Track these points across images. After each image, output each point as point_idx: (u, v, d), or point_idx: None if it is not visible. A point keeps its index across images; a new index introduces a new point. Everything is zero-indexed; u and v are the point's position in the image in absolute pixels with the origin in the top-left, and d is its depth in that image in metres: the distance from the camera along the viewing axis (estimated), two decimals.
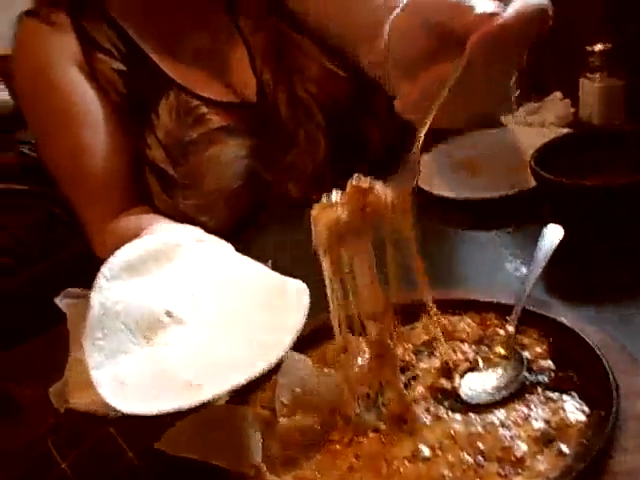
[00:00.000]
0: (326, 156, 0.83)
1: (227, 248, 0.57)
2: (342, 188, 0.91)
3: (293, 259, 0.68)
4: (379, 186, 0.44)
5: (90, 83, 0.74)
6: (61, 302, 0.65)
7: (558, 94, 0.91)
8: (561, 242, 0.56)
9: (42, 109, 0.76)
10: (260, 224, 0.81)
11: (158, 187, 0.77)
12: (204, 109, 0.77)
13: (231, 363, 0.45)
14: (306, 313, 0.48)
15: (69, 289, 0.66)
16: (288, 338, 0.45)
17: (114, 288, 0.45)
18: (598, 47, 0.81)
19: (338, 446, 0.44)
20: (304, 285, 0.50)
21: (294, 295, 0.50)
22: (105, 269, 0.45)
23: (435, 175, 0.81)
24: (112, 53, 0.74)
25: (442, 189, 0.77)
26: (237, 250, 0.58)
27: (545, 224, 0.58)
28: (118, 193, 0.76)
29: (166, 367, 0.44)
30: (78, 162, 0.74)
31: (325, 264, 0.44)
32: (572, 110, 0.87)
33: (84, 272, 0.75)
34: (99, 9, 0.75)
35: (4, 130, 1.17)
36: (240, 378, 0.43)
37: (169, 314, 0.47)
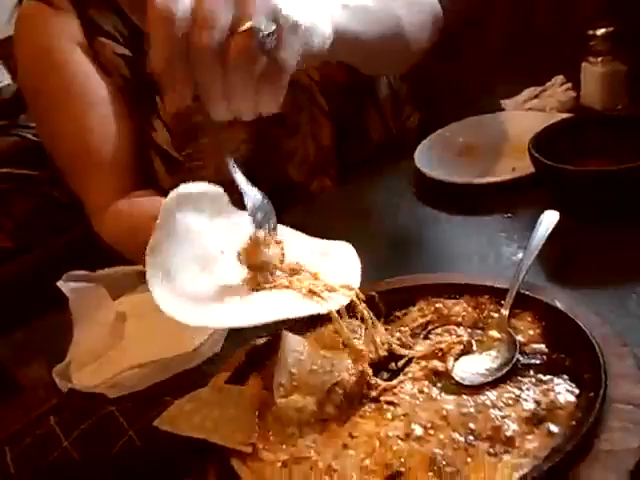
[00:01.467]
0: (332, 141, 0.83)
1: None
2: (345, 173, 0.91)
3: None
4: None
5: (93, 64, 0.74)
6: (63, 285, 0.66)
7: (560, 78, 0.90)
8: (558, 227, 0.56)
9: (44, 90, 0.76)
10: None
11: (163, 170, 0.77)
12: None
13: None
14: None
15: (71, 272, 0.67)
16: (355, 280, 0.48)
17: (180, 215, 0.47)
18: (601, 31, 0.80)
19: (333, 425, 0.45)
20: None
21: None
22: (174, 195, 0.48)
23: (435, 160, 0.81)
24: (115, 37, 0.74)
25: (441, 174, 0.77)
26: None
27: (543, 209, 0.58)
28: (122, 174, 0.76)
29: (225, 287, 0.47)
30: (81, 142, 0.74)
31: None
32: (574, 95, 0.86)
33: (85, 255, 0.76)
34: None
35: (5, 114, 1.17)
36: (303, 310, 0.45)
37: (223, 253, 0.50)
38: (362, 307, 0.49)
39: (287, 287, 0.47)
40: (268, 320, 0.44)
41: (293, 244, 0.52)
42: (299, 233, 0.55)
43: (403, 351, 0.50)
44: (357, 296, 0.48)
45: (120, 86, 0.75)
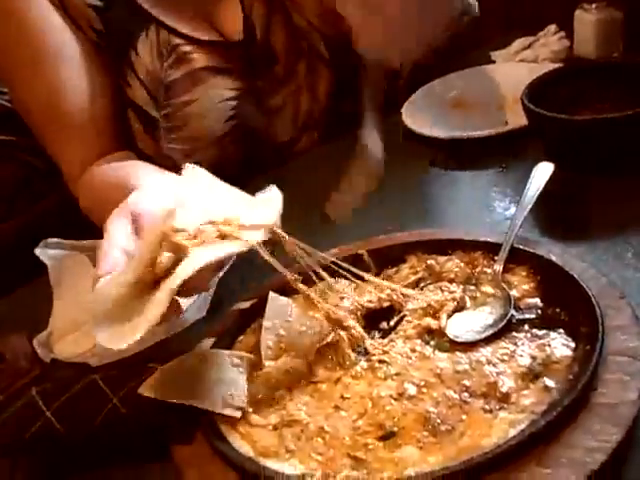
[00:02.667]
0: (328, 92, 0.80)
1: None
2: (334, 127, 0.86)
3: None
4: None
5: (63, 18, 0.70)
6: (41, 252, 0.63)
7: (552, 27, 0.87)
8: (552, 179, 0.54)
9: (12, 49, 0.72)
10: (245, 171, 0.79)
11: (141, 129, 0.74)
12: (187, 48, 0.73)
13: None
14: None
15: (49, 239, 0.64)
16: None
17: None
18: None
19: (324, 386, 0.44)
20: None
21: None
22: None
23: (424, 114, 0.78)
24: None
25: (432, 129, 0.74)
26: None
27: (537, 162, 0.56)
28: (97, 135, 0.73)
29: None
30: (54, 101, 0.71)
31: None
32: (567, 44, 0.83)
33: (63, 223, 0.73)
34: None
35: None
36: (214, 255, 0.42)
37: None
38: (290, 240, 0.46)
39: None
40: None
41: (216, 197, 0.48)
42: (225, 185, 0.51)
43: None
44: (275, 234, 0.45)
45: (92, 40, 0.71)
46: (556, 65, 0.78)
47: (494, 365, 0.41)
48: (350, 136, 0.73)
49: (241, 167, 0.79)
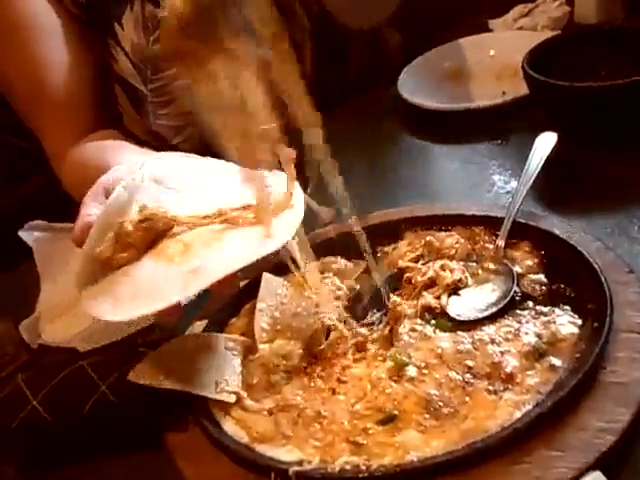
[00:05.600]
0: (311, 65, 0.77)
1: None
2: (326, 102, 0.85)
3: None
4: None
5: None
6: (26, 235, 0.61)
7: None
8: (554, 151, 0.52)
9: None
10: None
11: (129, 106, 0.72)
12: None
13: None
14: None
15: (34, 222, 0.62)
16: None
17: None
18: None
19: (321, 369, 0.42)
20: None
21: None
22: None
23: (420, 86, 0.76)
24: None
25: (428, 100, 0.72)
26: None
27: (537, 134, 0.54)
28: (82, 112, 0.70)
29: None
30: (35, 78, 0.68)
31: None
32: (568, 10, 0.81)
33: (47, 206, 0.71)
34: None
35: None
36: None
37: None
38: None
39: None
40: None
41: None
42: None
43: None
44: None
45: (74, 13, 0.68)
46: (556, 33, 0.75)
47: (498, 344, 0.40)
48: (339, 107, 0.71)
49: None
